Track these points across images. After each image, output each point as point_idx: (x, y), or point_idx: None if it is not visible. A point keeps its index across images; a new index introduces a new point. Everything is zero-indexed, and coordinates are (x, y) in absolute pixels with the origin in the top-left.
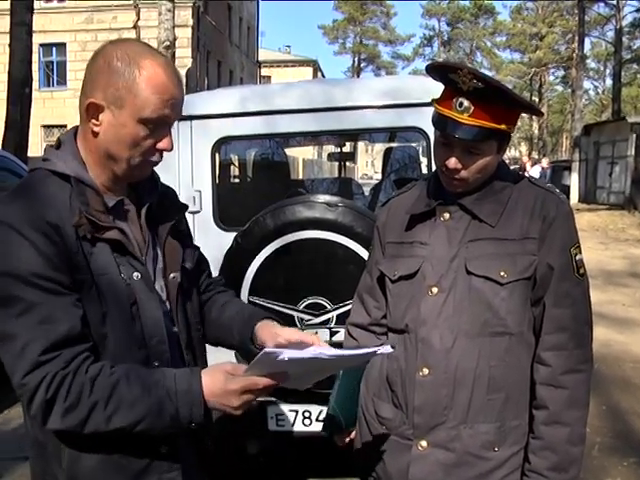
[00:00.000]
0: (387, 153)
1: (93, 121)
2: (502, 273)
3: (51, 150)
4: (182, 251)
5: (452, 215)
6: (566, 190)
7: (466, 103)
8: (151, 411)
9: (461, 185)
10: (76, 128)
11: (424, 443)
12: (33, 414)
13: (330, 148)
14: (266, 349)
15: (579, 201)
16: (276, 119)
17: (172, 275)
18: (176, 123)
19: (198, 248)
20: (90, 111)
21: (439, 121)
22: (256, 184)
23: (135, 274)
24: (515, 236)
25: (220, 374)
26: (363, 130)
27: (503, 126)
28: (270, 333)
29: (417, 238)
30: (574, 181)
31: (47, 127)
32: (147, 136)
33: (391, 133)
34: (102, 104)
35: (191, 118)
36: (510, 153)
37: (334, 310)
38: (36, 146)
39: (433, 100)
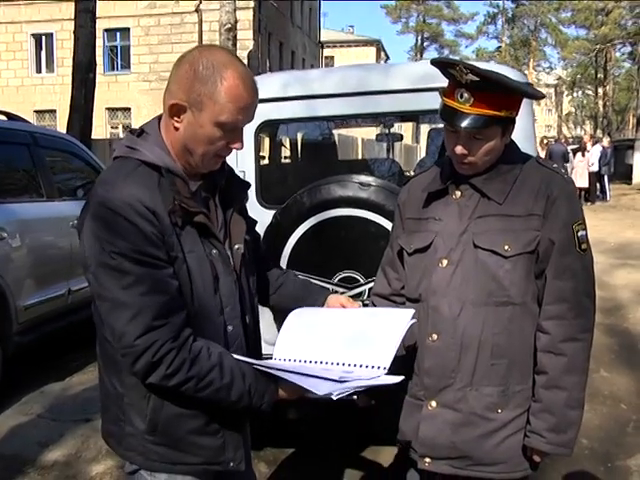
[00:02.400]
0: (430, 134)
1: (175, 118)
2: (506, 247)
3: (135, 139)
4: (246, 225)
5: (463, 193)
6: (629, 170)
7: (466, 94)
8: (230, 398)
9: (470, 168)
10: (159, 118)
11: (433, 403)
12: (135, 370)
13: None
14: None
15: None
16: (315, 103)
17: (237, 246)
18: None
19: (256, 222)
20: (173, 110)
21: (444, 111)
22: (302, 164)
23: (214, 251)
24: (521, 213)
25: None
26: (396, 113)
27: (503, 112)
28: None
29: (432, 214)
30: (637, 160)
31: (111, 110)
32: (221, 137)
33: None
34: (185, 105)
35: None
36: (575, 132)
37: (366, 284)
38: (101, 128)
39: (440, 92)
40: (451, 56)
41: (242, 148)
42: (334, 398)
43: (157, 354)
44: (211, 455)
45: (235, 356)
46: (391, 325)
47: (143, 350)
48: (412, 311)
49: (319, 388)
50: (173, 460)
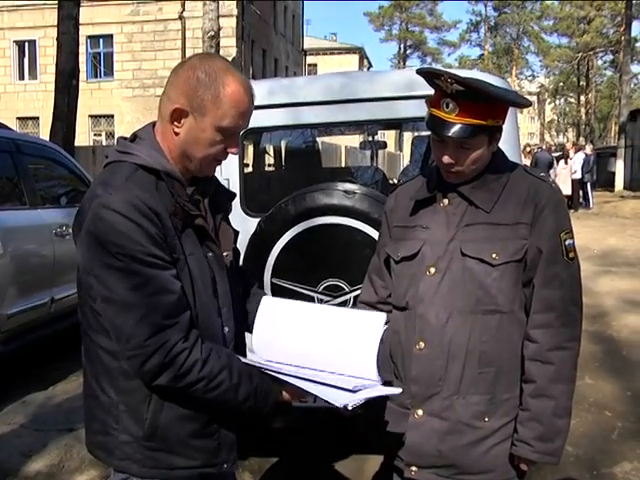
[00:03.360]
0: (414, 141)
1: (175, 123)
2: (494, 255)
3: (128, 144)
4: (233, 233)
5: (451, 201)
6: (611, 177)
7: (452, 104)
8: (238, 399)
9: (458, 177)
10: (152, 124)
11: (420, 412)
12: (144, 371)
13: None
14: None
15: (624, 188)
16: (299, 111)
17: (225, 254)
18: None
19: (238, 233)
20: (174, 115)
21: (431, 121)
22: (286, 172)
23: (210, 254)
24: (508, 221)
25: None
26: (379, 121)
27: (489, 121)
28: None
29: (419, 222)
30: (619, 168)
31: (94, 117)
32: (221, 141)
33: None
34: (187, 110)
35: None
36: (557, 139)
37: (351, 292)
38: (84, 135)
39: (426, 101)
40: (434, 64)
41: (237, 153)
42: (349, 408)
43: (169, 354)
44: (207, 457)
45: (241, 358)
46: (366, 333)
47: (154, 350)
48: (384, 316)
49: (337, 399)
50: (171, 465)
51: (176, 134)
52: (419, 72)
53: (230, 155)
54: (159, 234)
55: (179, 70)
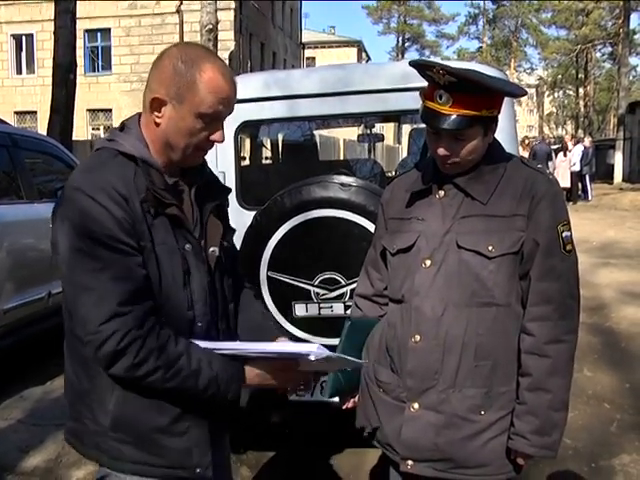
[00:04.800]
0: (411, 134)
1: (156, 113)
2: (490, 247)
3: (116, 132)
4: (222, 229)
5: (447, 193)
6: (610, 169)
7: (445, 96)
8: (198, 387)
9: (454, 168)
10: (139, 115)
11: (416, 405)
12: (99, 358)
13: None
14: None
15: (623, 180)
16: (296, 103)
17: (212, 249)
18: None
19: (234, 231)
20: (154, 105)
21: (425, 113)
22: (283, 165)
23: (187, 245)
24: (505, 213)
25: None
26: (377, 113)
27: (484, 112)
28: None
29: (415, 214)
30: (618, 160)
31: (92, 111)
32: (202, 129)
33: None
34: (165, 99)
35: None
36: (556, 132)
37: (348, 285)
38: (81, 129)
39: (420, 93)
40: (432, 57)
41: (223, 140)
42: (313, 359)
43: (122, 342)
44: (176, 458)
45: (200, 343)
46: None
47: (107, 337)
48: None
49: (300, 350)
50: (136, 460)
51: (157, 124)
52: (412, 64)
53: (226, 148)
54: (126, 219)
55: (158, 60)
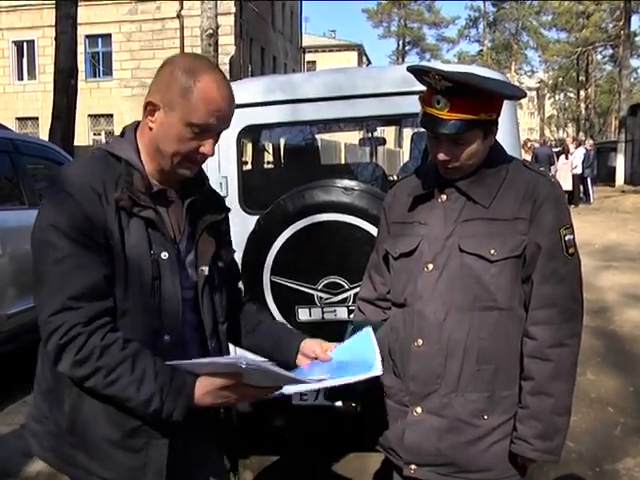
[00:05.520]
0: (413, 137)
1: (149, 117)
2: (492, 251)
3: (116, 137)
4: (215, 248)
5: (449, 197)
6: (612, 172)
7: (443, 101)
8: (140, 397)
9: (455, 172)
10: (139, 122)
11: (419, 409)
12: (47, 351)
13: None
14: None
15: (625, 183)
16: (298, 107)
17: (201, 268)
18: None
19: (234, 252)
20: (148, 109)
21: (424, 119)
22: (285, 170)
23: (164, 253)
24: (507, 216)
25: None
26: (378, 117)
27: (482, 115)
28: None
29: (417, 218)
30: (620, 162)
31: (94, 117)
32: (192, 138)
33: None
34: (159, 104)
35: None
36: (557, 134)
37: (351, 289)
38: (83, 135)
39: (419, 99)
40: (433, 60)
41: (212, 154)
42: (243, 366)
43: (65, 336)
44: (127, 475)
45: (154, 357)
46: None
47: (54, 329)
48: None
49: (229, 360)
50: (88, 469)
51: (150, 129)
52: (409, 70)
53: (228, 152)
54: (96, 216)
55: (161, 66)
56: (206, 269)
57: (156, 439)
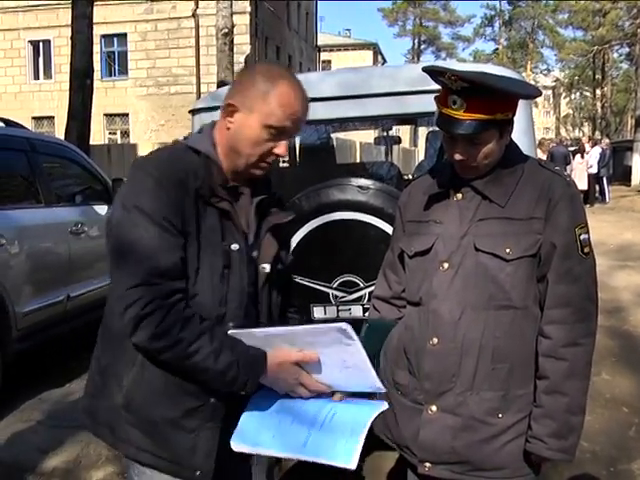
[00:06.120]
0: (428, 136)
1: (228, 118)
2: (508, 250)
3: (194, 133)
4: (277, 249)
5: (464, 195)
6: (627, 171)
7: (459, 101)
8: (218, 367)
9: (471, 172)
10: (215, 121)
11: (434, 408)
12: (125, 324)
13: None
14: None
15: None
16: (313, 106)
17: (263, 265)
18: (218, 112)
19: (292, 259)
20: (227, 109)
21: (440, 119)
22: (300, 168)
23: (234, 245)
24: (522, 216)
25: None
26: (394, 116)
27: (498, 115)
28: None
29: (432, 217)
30: (636, 162)
31: (109, 116)
32: (267, 140)
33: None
34: (238, 106)
35: None
36: (573, 134)
37: (366, 287)
38: (99, 134)
39: (435, 98)
40: (448, 59)
41: (285, 156)
42: (344, 327)
43: (145, 308)
44: (178, 454)
45: (231, 331)
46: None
47: (132, 301)
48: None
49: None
50: (140, 445)
51: (228, 129)
52: (424, 70)
53: None
54: (178, 202)
55: (243, 71)
56: (268, 267)
57: (210, 422)
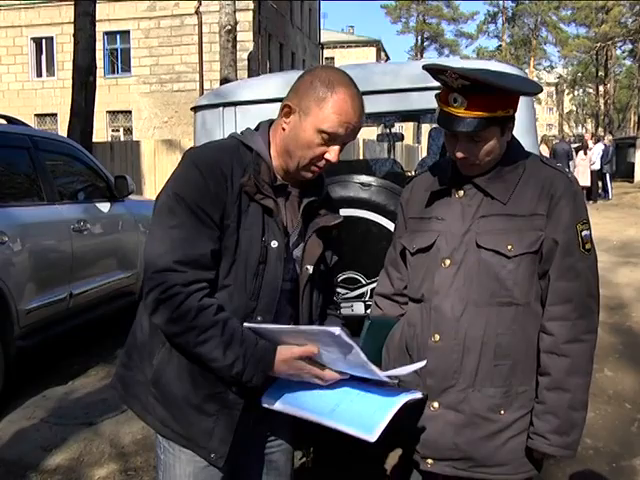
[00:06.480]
0: (431, 133)
1: (284, 119)
2: (509, 247)
3: (249, 130)
4: (322, 251)
5: (466, 193)
6: (630, 168)
7: (460, 99)
8: (226, 360)
9: (473, 169)
10: (273, 120)
11: (436, 404)
12: (147, 303)
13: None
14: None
15: None
16: None
17: (306, 266)
18: (221, 109)
19: (339, 258)
20: (284, 110)
21: (441, 117)
22: None
23: (274, 242)
24: (524, 212)
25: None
26: (397, 113)
27: (499, 112)
28: None
29: (434, 214)
30: (639, 158)
31: (112, 113)
32: (319, 144)
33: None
34: (295, 108)
35: (235, 104)
36: (576, 130)
37: (368, 284)
38: (102, 131)
39: (436, 96)
40: (451, 56)
41: (336, 161)
42: (337, 333)
43: (165, 292)
44: (196, 434)
45: (245, 324)
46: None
47: (155, 285)
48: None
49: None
50: (164, 420)
51: (283, 129)
52: (425, 68)
53: None
54: (219, 196)
55: (302, 75)
56: (311, 268)
57: (229, 409)
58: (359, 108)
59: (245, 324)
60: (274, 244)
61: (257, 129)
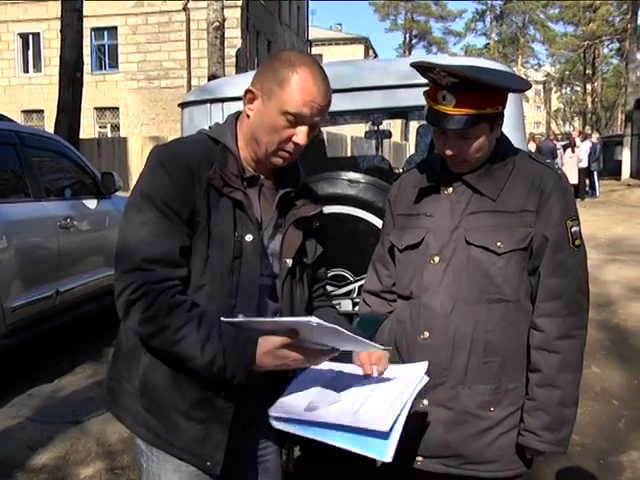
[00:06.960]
0: (419, 130)
1: (248, 106)
2: (499, 243)
3: (218, 123)
4: (301, 243)
5: (455, 189)
6: (618, 165)
7: (448, 96)
8: (204, 358)
9: (463, 167)
10: (241, 111)
11: (425, 402)
12: (118, 306)
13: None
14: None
15: (631, 176)
16: None
17: (285, 259)
18: (208, 105)
19: (323, 250)
20: (247, 97)
21: (430, 115)
22: None
23: (248, 236)
24: (514, 209)
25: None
26: (384, 110)
27: (488, 109)
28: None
29: (423, 210)
30: (626, 156)
31: (99, 109)
32: (285, 127)
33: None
34: (257, 93)
35: (222, 100)
36: (564, 128)
37: (356, 282)
38: (89, 128)
39: (424, 94)
40: (439, 53)
41: (305, 143)
42: (314, 323)
43: (135, 292)
44: (188, 443)
45: (222, 319)
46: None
47: (125, 286)
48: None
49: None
50: (157, 431)
51: (248, 116)
52: (413, 66)
53: None
54: (187, 192)
55: (267, 59)
56: (290, 261)
57: (219, 414)
58: (323, 86)
59: (222, 319)
60: (249, 238)
61: (226, 122)
